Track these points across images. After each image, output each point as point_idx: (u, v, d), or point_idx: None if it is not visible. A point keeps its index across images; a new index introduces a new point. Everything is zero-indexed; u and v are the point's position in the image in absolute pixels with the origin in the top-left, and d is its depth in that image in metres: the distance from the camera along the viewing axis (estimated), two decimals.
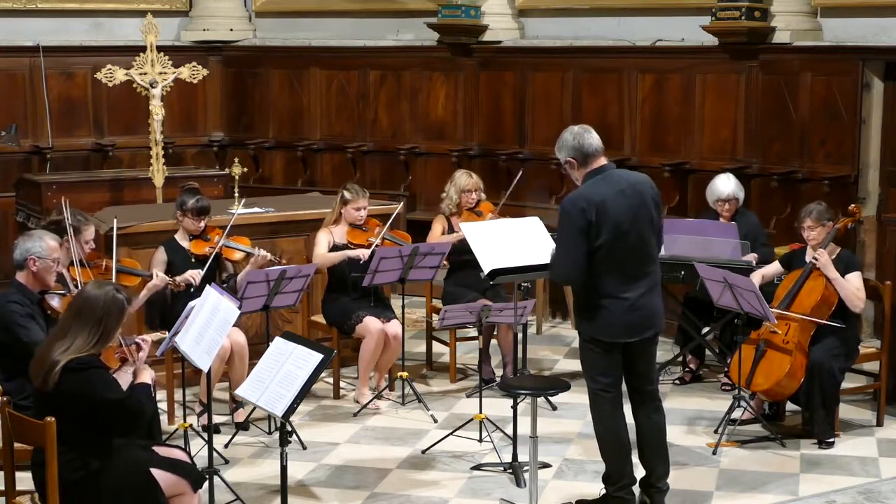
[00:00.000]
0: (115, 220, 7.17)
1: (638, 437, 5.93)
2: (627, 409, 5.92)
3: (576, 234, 5.56)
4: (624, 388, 5.89)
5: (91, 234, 6.84)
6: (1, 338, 5.95)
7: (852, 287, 7.01)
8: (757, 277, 7.27)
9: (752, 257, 7.75)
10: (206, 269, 7.21)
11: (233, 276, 7.37)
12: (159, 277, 7.06)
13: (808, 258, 7.18)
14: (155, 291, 7.10)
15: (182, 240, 7.48)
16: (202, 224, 7.44)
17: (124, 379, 5.23)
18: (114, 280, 6.63)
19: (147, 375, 5.24)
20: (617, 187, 5.64)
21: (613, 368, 5.78)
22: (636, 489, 5.94)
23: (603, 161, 5.72)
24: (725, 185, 8.04)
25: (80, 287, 6.10)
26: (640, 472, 5.98)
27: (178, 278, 7.18)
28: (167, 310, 7.24)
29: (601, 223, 5.55)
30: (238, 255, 7.48)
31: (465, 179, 8.21)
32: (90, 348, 4.98)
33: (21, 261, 6.07)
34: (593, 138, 5.71)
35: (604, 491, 5.96)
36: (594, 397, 5.83)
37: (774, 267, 7.42)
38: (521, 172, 8.80)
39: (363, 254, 7.68)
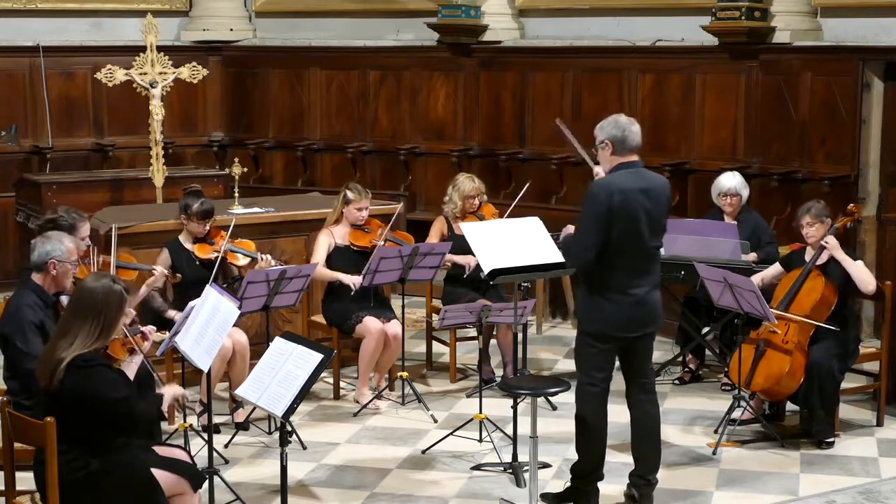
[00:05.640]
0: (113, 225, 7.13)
1: (633, 430, 6.04)
2: (613, 407, 6.01)
3: (598, 217, 5.67)
4: (620, 384, 6.01)
5: (86, 231, 6.78)
6: (4, 332, 5.93)
7: (863, 268, 7.04)
8: (756, 280, 7.25)
9: (751, 257, 7.76)
10: (212, 276, 7.14)
11: (237, 280, 7.34)
12: (158, 271, 7.06)
13: (807, 257, 7.18)
14: (154, 287, 7.11)
15: (186, 242, 7.48)
16: (207, 226, 7.45)
17: (131, 370, 5.25)
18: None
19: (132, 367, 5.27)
20: (642, 186, 5.78)
21: (608, 364, 5.90)
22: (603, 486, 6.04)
23: (635, 158, 5.87)
24: (729, 180, 8.07)
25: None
26: (630, 465, 6.10)
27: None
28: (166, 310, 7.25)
29: (621, 214, 5.68)
30: (242, 261, 7.48)
31: (468, 185, 8.17)
32: (94, 342, 4.97)
33: (41, 263, 5.99)
34: (637, 134, 5.86)
35: (569, 483, 6.07)
36: (582, 390, 5.93)
37: (774, 269, 7.41)
38: (528, 184, 8.73)
39: (356, 282, 7.65)
